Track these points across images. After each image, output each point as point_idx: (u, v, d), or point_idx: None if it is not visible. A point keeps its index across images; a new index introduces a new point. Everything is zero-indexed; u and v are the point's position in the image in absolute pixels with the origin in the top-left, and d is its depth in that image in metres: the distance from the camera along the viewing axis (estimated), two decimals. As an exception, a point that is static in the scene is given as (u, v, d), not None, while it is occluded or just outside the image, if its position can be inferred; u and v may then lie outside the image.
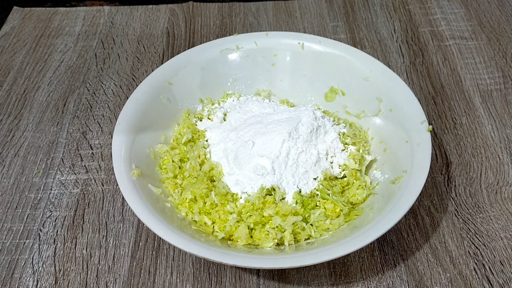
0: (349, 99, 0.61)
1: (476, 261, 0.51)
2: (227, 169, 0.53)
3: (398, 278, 0.50)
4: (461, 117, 0.65)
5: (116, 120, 0.53)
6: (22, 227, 0.55)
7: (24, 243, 0.53)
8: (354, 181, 0.53)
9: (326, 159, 0.54)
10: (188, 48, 0.74)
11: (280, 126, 0.53)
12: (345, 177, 0.54)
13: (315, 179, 0.52)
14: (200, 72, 0.61)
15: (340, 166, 0.54)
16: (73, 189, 0.58)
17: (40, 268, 0.51)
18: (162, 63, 0.62)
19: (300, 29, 0.80)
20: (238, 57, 0.63)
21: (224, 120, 0.59)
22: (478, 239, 0.53)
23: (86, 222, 0.55)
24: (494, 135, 0.63)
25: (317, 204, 0.51)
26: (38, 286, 0.50)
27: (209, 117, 0.60)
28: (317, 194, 0.52)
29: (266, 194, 0.51)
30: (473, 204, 0.56)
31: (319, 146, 0.54)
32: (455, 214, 0.55)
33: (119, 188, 0.48)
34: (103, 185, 0.58)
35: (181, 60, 0.61)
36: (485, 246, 0.52)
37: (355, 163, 0.54)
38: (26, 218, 0.55)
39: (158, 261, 0.51)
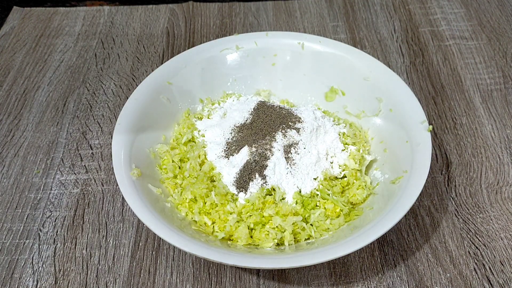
0: (349, 99, 0.61)
1: (476, 261, 0.51)
2: (226, 170, 0.53)
3: (398, 278, 0.50)
4: (461, 117, 0.65)
5: (116, 120, 0.53)
6: (22, 227, 0.55)
7: (24, 243, 0.53)
8: (354, 181, 0.53)
9: (326, 159, 0.54)
10: (188, 48, 0.74)
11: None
12: (345, 177, 0.54)
13: (315, 179, 0.52)
14: (200, 72, 0.61)
15: (340, 166, 0.54)
16: (73, 189, 0.58)
17: (40, 268, 0.51)
18: (162, 63, 0.62)
19: (300, 29, 0.80)
20: (238, 57, 0.63)
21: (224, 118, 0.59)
22: (478, 239, 0.53)
23: (86, 222, 0.55)
24: (494, 135, 0.63)
25: (317, 204, 0.51)
26: (38, 286, 0.50)
27: (209, 117, 0.60)
28: (317, 194, 0.52)
29: (266, 194, 0.51)
30: (473, 204, 0.56)
31: (319, 146, 0.54)
32: (455, 214, 0.55)
33: (119, 188, 0.48)
34: (103, 185, 0.58)
35: (181, 60, 0.61)
36: (485, 246, 0.52)
37: (355, 163, 0.54)
38: (26, 218, 0.55)
39: (158, 261, 0.51)
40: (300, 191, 0.51)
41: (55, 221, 0.55)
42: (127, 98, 0.56)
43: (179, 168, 0.54)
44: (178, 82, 0.60)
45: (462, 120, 0.65)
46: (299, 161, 0.52)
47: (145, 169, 0.51)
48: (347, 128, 0.57)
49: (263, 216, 0.49)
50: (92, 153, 0.62)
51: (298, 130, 0.54)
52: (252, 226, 0.49)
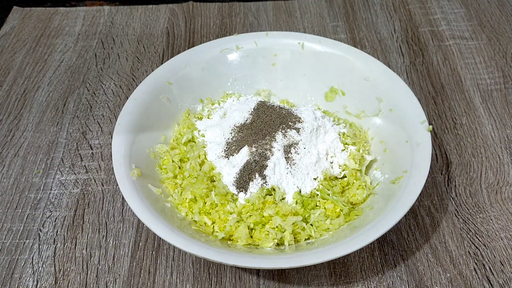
0: (349, 99, 0.61)
1: (476, 261, 0.51)
2: (226, 170, 0.53)
3: (398, 278, 0.50)
4: (461, 117, 0.65)
5: (116, 120, 0.53)
6: (22, 227, 0.55)
7: (24, 243, 0.53)
8: (354, 181, 0.53)
9: (326, 159, 0.54)
10: (188, 48, 0.74)
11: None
12: (345, 177, 0.54)
13: (315, 179, 0.52)
14: (200, 72, 0.61)
15: (340, 166, 0.54)
16: (73, 189, 0.58)
17: (40, 268, 0.51)
18: (162, 63, 0.62)
19: (300, 29, 0.80)
20: (238, 57, 0.63)
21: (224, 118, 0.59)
22: (478, 239, 0.53)
23: (86, 222, 0.55)
24: (494, 135, 0.63)
25: (317, 204, 0.51)
26: (38, 286, 0.50)
27: (209, 117, 0.60)
28: (317, 194, 0.52)
29: (266, 194, 0.51)
30: (473, 204, 0.56)
31: (319, 146, 0.54)
32: (455, 214, 0.55)
33: (119, 188, 0.48)
34: (103, 185, 0.58)
35: (181, 60, 0.61)
36: (485, 246, 0.52)
37: (355, 163, 0.54)
38: (26, 218, 0.55)
39: (158, 261, 0.51)
40: (300, 191, 0.51)
41: (55, 221, 0.55)
42: (127, 98, 0.56)
43: (179, 168, 0.54)
44: (178, 82, 0.60)
45: (462, 120, 0.65)
46: (299, 161, 0.52)
47: (145, 169, 0.51)
48: (347, 128, 0.57)
49: (263, 216, 0.49)
50: (92, 153, 0.62)
51: (298, 130, 0.54)
52: (252, 226, 0.49)
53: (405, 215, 0.45)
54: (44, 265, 0.51)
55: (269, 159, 0.51)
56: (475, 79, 0.70)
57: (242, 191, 0.51)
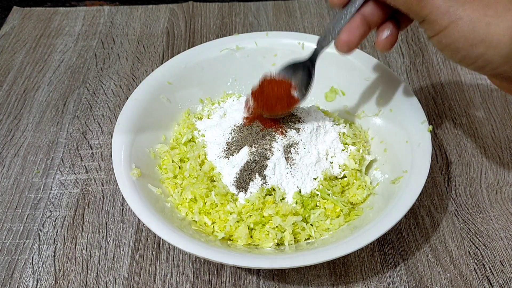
0: (349, 99, 0.61)
1: (476, 261, 0.51)
2: (226, 170, 0.53)
3: (398, 278, 0.50)
4: (461, 117, 0.65)
5: (116, 120, 0.53)
6: (22, 227, 0.55)
7: (24, 243, 0.53)
8: (354, 181, 0.53)
9: (326, 159, 0.54)
10: (188, 48, 0.74)
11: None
12: (345, 177, 0.54)
13: (315, 179, 0.52)
14: (200, 72, 0.61)
15: (340, 166, 0.54)
16: (73, 189, 0.58)
17: (40, 268, 0.51)
18: (162, 63, 0.62)
19: (300, 29, 0.80)
20: (238, 57, 0.63)
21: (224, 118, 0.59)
22: (478, 239, 0.53)
23: (86, 222, 0.55)
24: (494, 135, 0.63)
25: (317, 204, 0.51)
26: (38, 286, 0.50)
27: (209, 117, 0.60)
28: (317, 194, 0.52)
29: (266, 194, 0.51)
30: (473, 204, 0.56)
31: (319, 146, 0.54)
32: (455, 214, 0.55)
33: (119, 188, 0.48)
34: (103, 185, 0.58)
35: (181, 60, 0.61)
36: (485, 246, 0.52)
37: (355, 163, 0.54)
38: (26, 218, 0.55)
39: (158, 261, 0.51)
40: (300, 191, 0.51)
41: (55, 221, 0.55)
42: (127, 98, 0.56)
43: (179, 168, 0.54)
44: (178, 82, 0.60)
45: (462, 120, 0.65)
46: (299, 161, 0.52)
47: (145, 169, 0.51)
48: (347, 128, 0.57)
49: (263, 216, 0.49)
50: (92, 153, 0.62)
51: (298, 130, 0.54)
52: (252, 226, 0.49)
53: (405, 215, 0.45)
54: (44, 265, 0.51)
55: (269, 159, 0.51)
56: (475, 79, 0.70)
57: (242, 191, 0.51)
